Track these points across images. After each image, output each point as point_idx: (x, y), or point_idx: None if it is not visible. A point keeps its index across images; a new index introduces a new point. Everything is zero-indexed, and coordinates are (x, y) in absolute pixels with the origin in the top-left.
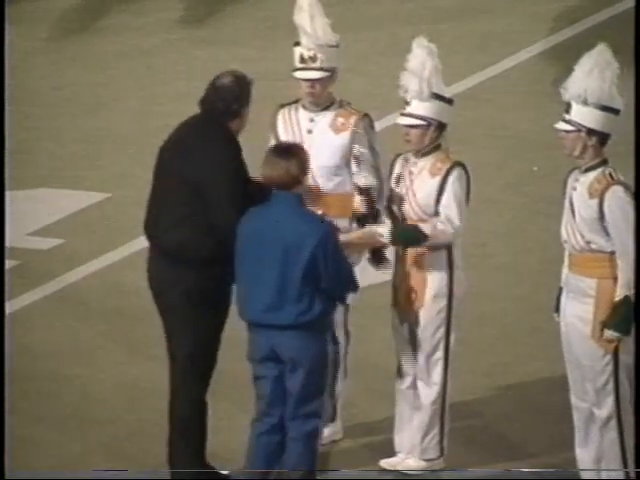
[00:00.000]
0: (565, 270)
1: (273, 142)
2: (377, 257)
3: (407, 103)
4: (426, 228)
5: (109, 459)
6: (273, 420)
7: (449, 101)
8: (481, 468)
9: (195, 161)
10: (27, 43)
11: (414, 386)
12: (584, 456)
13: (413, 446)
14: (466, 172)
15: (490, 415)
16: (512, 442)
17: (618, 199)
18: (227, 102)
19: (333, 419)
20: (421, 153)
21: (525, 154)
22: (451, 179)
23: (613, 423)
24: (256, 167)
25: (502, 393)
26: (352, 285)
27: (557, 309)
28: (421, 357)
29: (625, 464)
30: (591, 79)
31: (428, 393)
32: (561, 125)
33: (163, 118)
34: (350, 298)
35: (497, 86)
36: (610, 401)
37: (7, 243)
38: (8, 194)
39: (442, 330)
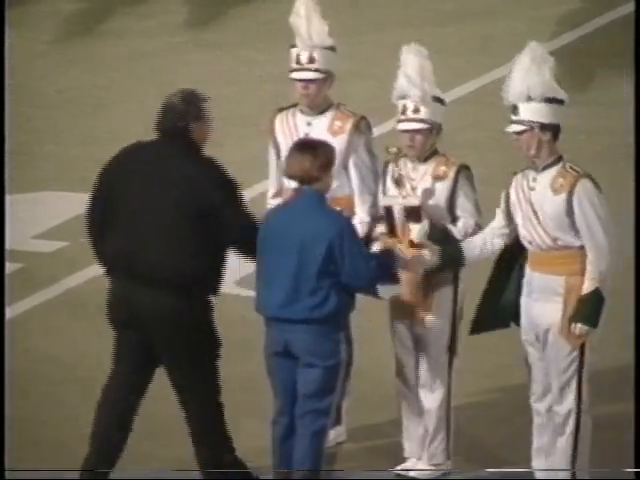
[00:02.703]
0: (527, 270)
1: (272, 146)
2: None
3: (405, 109)
4: (457, 232)
5: None
6: (288, 420)
7: (443, 102)
8: (483, 470)
9: (184, 182)
10: (30, 45)
11: (419, 393)
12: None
13: (421, 451)
14: (471, 174)
15: (493, 417)
16: (516, 444)
17: (587, 191)
18: (173, 120)
19: (338, 422)
20: (423, 158)
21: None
22: (461, 181)
23: (571, 420)
24: (259, 170)
25: (505, 395)
26: (374, 280)
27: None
28: (426, 362)
29: (574, 464)
30: (531, 75)
31: (433, 398)
32: (512, 127)
33: None
34: (385, 292)
35: (501, 89)
36: (571, 398)
37: (11, 246)
38: (11, 197)
39: (447, 333)
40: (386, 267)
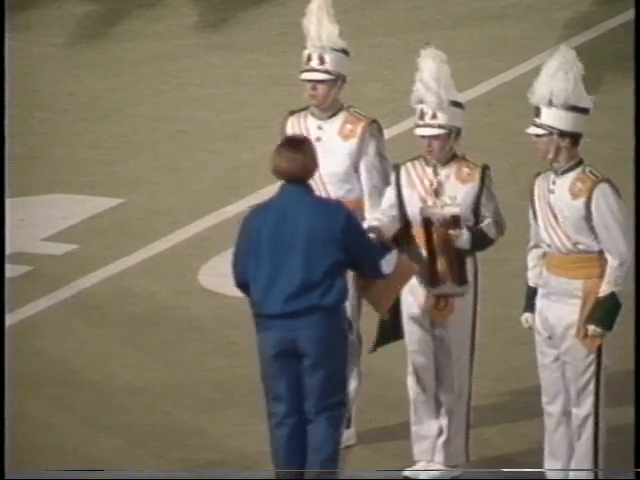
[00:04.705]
0: (544, 272)
1: None
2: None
3: (423, 114)
4: (492, 233)
5: (122, 464)
6: (294, 420)
7: (462, 106)
8: (495, 472)
9: None
10: (41, 49)
11: (435, 395)
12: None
13: (437, 453)
14: (491, 174)
15: (504, 420)
16: (527, 447)
17: (606, 196)
18: None
19: (347, 425)
20: (443, 161)
21: (539, 159)
22: (487, 182)
23: (590, 422)
24: (268, 173)
25: (515, 398)
26: (381, 253)
27: (527, 308)
28: (447, 364)
29: (596, 464)
30: (556, 81)
31: (455, 399)
32: (532, 130)
33: (177, 124)
34: (388, 267)
35: (510, 92)
36: (590, 401)
37: (20, 249)
38: (21, 200)
39: (469, 334)
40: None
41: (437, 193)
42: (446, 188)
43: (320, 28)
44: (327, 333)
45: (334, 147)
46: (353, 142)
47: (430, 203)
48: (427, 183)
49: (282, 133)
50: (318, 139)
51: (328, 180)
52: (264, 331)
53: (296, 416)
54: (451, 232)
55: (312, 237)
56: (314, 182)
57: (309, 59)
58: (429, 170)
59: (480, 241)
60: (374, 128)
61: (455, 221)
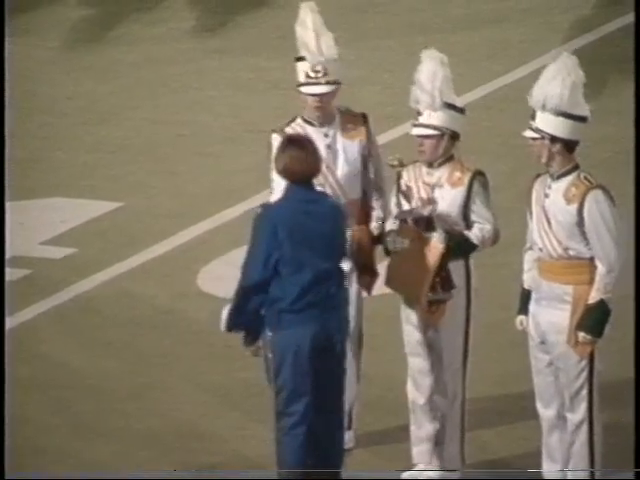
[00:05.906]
0: (535, 276)
1: (272, 167)
2: (445, 283)
3: (419, 114)
4: (474, 237)
5: (122, 467)
6: (311, 418)
7: (461, 110)
8: (492, 475)
9: None
10: (40, 52)
11: (431, 399)
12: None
13: (433, 457)
14: (486, 180)
15: (502, 423)
16: (523, 450)
17: (598, 203)
18: None
19: (348, 427)
20: (437, 164)
21: (537, 163)
22: (476, 187)
23: (585, 427)
24: (267, 177)
25: (513, 402)
26: None
27: (521, 311)
28: (440, 368)
29: (592, 465)
30: (552, 86)
31: (449, 403)
32: (527, 133)
33: (176, 127)
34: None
35: (510, 95)
36: (583, 406)
37: (19, 252)
38: (21, 203)
39: (461, 339)
40: None
41: (406, 196)
42: (436, 190)
43: (319, 41)
44: (345, 319)
45: (344, 149)
46: (357, 139)
47: (404, 206)
48: (420, 182)
49: (269, 152)
50: (329, 146)
51: (342, 183)
52: (294, 327)
53: (313, 413)
54: (422, 233)
55: (328, 229)
56: (330, 186)
57: (310, 72)
58: (425, 170)
59: (461, 245)
60: (370, 121)
61: (427, 222)
